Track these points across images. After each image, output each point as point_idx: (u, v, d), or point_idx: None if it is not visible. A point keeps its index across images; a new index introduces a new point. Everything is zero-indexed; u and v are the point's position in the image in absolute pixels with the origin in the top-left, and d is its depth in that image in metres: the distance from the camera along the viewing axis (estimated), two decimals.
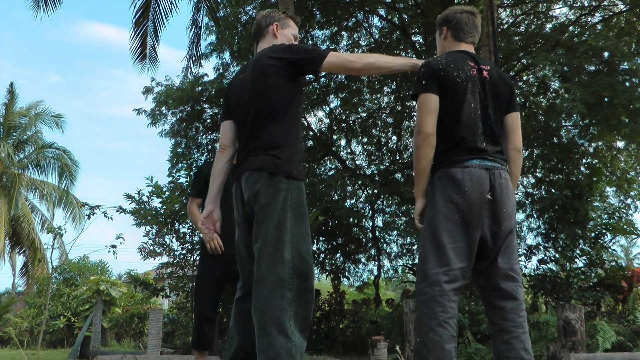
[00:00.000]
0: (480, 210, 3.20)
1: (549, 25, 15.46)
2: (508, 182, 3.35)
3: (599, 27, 14.83)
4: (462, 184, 3.19)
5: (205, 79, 16.44)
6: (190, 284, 15.66)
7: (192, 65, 15.21)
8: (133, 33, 13.26)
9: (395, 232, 16.76)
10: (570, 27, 14.86)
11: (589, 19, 15.41)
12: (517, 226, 15.19)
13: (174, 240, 15.46)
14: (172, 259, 15.50)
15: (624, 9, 14.79)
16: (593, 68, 13.19)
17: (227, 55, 17.08)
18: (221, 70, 17.14)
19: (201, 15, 13.66)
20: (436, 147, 3.28)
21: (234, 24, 16.22)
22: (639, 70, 11.60)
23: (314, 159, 17.36)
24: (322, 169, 18.59)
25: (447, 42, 3.64)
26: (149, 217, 14.96)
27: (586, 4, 15.46)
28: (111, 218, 15.38)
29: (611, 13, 15.10)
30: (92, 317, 16.12)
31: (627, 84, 12.03)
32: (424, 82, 3.28)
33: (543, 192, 15.52)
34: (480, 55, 10.75)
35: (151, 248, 15.33)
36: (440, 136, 3.28)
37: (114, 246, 15.69)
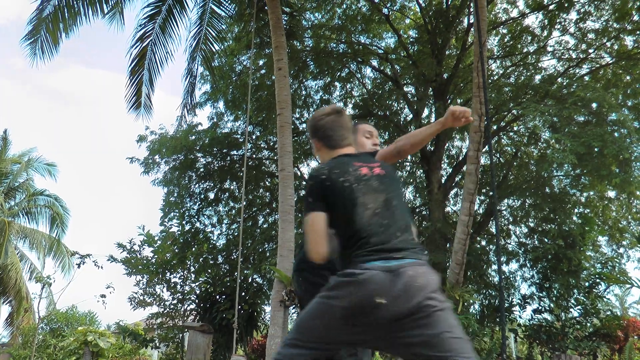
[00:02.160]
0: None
1: (538, 77, 15.74)
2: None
3: (586, 78, 15.16)
4: None
5: (199, 128, 16.61)
6: (180, 335, 15.54)
7: (186, 114, 15.37)
8: (128, 81, 13.40)
9: None
10: (559, 79, 15.14)
11: (577, 70, 15.73)
12: (512, 276, 15.30)
13: (164, 290, 15.41)
14: (162, 309, 15.42)
15: (610, 61, 15.15)
16: (582, 118, 13.42)
17: (221, 104, 17.29)
18: (215, 119, 17.30)
19: (196, 65, 13.83)
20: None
21: (229, 74, 16.46)
22: (626, 121, 11.79)
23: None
24: None
25: (323, 153, 3.32)
26: (139, 267, 14.93)
27: (574, 56, 15.78)
28: (101, 267, 15.33)
29: (598, 65, 15.44)
30: None
31: (616, 134, 12.25)
32: (310, 199, 3.02)
33: (536, 242, 15.59)
34: (471, 106, 10.97)
35: (141, 298, 15.27)
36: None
37: (103, 296, 15.60)
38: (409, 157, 18.51)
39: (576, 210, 15.65)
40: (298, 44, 15.87)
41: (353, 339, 2.78)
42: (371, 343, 2.86)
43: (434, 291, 2.77)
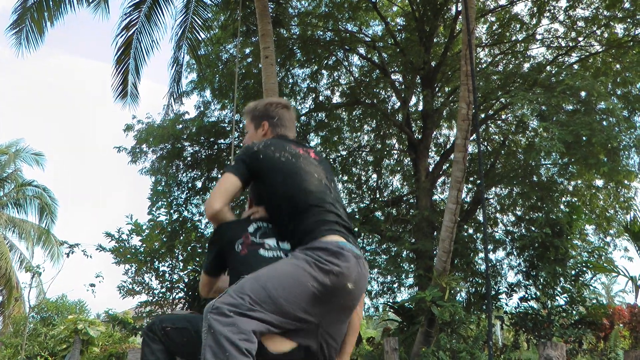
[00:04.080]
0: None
1: (526, 65, 15.67)
2: None
3: (575, 67, 15.06)
4: None
5: (186, 116, 16.45)
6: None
7: (173, 103, 15.20)
8: (115, 70, 13.24)
9: (375, 270, 16.65)
10: (548, 67, 15.06)
11: (566, 59, 15.64)
12: (499, 264, 15.30)
13: (153, 278, 15.32)
14: (151, 298, 15.34)
15: (600, 50, 15.04)
16: (570, 107, 13.34)
17: (208, 93, 17.12)
18: (202, 108, 17.15)
19: (182, 53, 13.69)
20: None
21: (215, 62, 16.28)
22: (615, 110, 11.70)
23: None
24: None
25: (267, 137, 3.35)
26: (128, 256, 14.82)
27: (563, 44, 15.67)
28: (90, 256, 15.21)
29: (587, 53, 15.34)
30: (69, 357, 15.83)
31: (604, 123, 12.18)
32: (233, 163, 3.16)
33: (523, 230, 15.56)
34: (460, 94, 10.87)
35: (130, 287, 15.18)
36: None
37: (92, 285, 15.49)
38: (396, 146, 18.42)
39: (563, 199, 15.61)
40: (285, 32, 15.71)
41: (304, 317, 2.68)
42: (310, 328, 2.74)
43: None
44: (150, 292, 15.29)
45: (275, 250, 2.97)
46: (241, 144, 17.21)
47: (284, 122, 3.40)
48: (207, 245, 3.34)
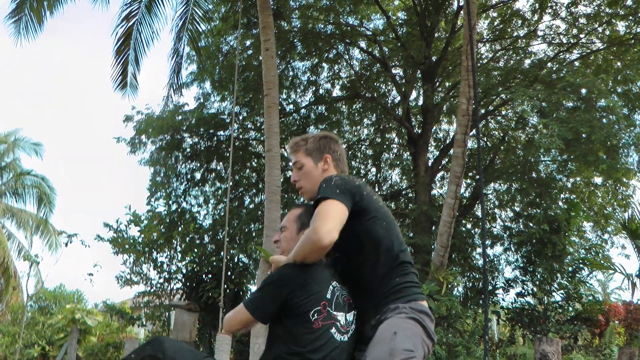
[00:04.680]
0: None
1: (527, 61, 15.62)
2: None
3: (576, 64, 15.03)
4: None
5: (186, 108, 16.44)
6: (167, 314, 15.50)
7: (172, 94, 15.18)
8: (114, 61, 13.21)
9: None
10: (549, 64, 15.03)
11: (567, 55, 15.60)
12: (496, 259, 15.30)
13: (151, 269, 15.40)
14: (149, 288, 15.43)
15: (601, 47, 15.02)
16: (571, 104, 13.35)
17: (207, 84, 17.09)
18: (202, 100, 17.12)
19: (182, 45, 13.64)
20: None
21: (215, 54, 16.25)
22: (615, 108, 11.71)
23: (293, 191, 17.35)
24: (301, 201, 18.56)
25: (328, 172, 3.05)
26: (126, 246, 14.88)
27: (564, 41, 15.64)
28: (89, 246, 15.27)
29: (589, 50, 15.31)
30: (66, 346, 15.88)
31: (604, 120, 12.18)
32: (337, 190, 2.75)
33: (521, 226, 15.57)
34: (460, 90, 10.85)
35: (128, 277, 15.24)
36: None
37: (90, 274, 15.55)
38: (395, 140, 18.41)
39: (562, 196, 15.61)
40: (285, 25, 15.68)
41: None
42: None
43: None
44: (148, 283, 15.38)
45: (346, 334, 2.76)
46: (240, 136, 17.24)
47: (344, 159, 3.17)
48: (268, 281, 2.78)
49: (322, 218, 2.64)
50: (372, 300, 2.79)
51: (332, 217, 2.64)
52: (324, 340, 2.66)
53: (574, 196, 15.77)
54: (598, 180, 16.11)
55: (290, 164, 3.19)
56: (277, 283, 2.74)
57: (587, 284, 13.09)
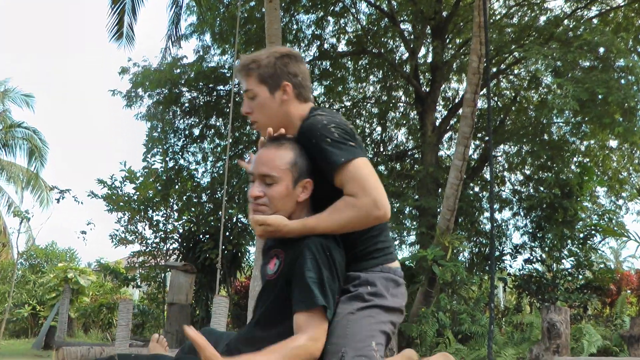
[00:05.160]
0: None
1: (543, 18, 15.44)
2: None
3: (595, 21, 14.83)
4: None
5: (185, 61, 16.33)
6: (162, 274, 15.59)
7: (171, 46, 15.06)
8: (110, 10, 13.11)
9: None
10: (565, 21, 14.84)
11: (585, 12, 15.39)
12: (504, 224, 15.33)
13: (146, 228, 15.43)
14: (144, 248, 15.49)
15: (622, 4, 14.82)
16: (587, 64, 13.22)
17: (207, 37, 16.93)
18: (201, 53, 16.98)
19: None
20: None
21: (216, 5, 16.07)
22: (635, 68, 11.60)
23: None
24: None
25: (288, 104, 2.60)
26: (121, 203, 14.89)
27: None
28: (82, 203, 15.29)
29: (608, 7, 15.10)
30: (58, 306, 16.02)
31: (622, 81, 12.07)
32: (350, 143, 2.41)
33: (531, 190, 15.59)
34: (471, 47, 10.78)
35: (123, 235, 15.29)
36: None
37: (83, 232, 15.62)
38: (402, 98, 18.33)
39: (575, 159, 15.60)
40: None
41: None
42: None
43: None
44: (144, 242, 15.43)
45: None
46: (241, 91, 17.06)
47: (307, 82, 2.68)
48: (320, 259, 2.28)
49: (372, 186, 2.34)
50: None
51: (375, 183, 2.36)
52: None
53: (588, 160, 15.75)
54: (613, 143, 16.03)
55: (241, 90, 2.75)
56: (330, 265, 2.31)
57: (599, 251, 13.12)
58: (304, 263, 2.25)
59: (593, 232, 12.68)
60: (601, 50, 12.43)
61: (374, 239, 2.49)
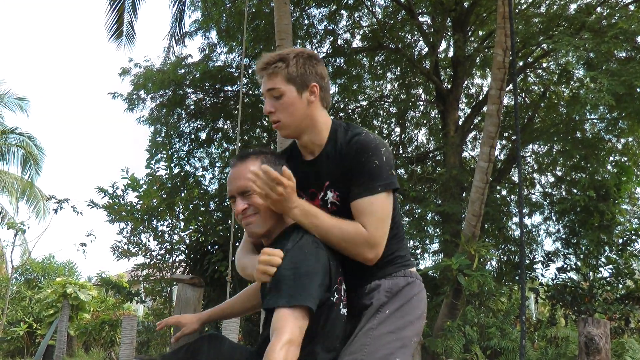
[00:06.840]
0: None
1: (573, 6, 15.35)
2: None
3: (631, 8, 14.71)
4: None
5: (189, 60, 16.37)
6: (168, 288, 15.60)
7: (174, 45, 15.10)
8: (109, 7, 13.17)
9: None
10: (598, 8, 14.76)
11: None
12: (535, 230, 15.25)
13: (150, 239, 15.44)
14: (148, 260, 15.47)
15: None
16: (623, 54, 13.14)
17: (213, 34, 16.98)
18: (207, 51, 17.01)
19: None
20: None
21: (222, 0, 16.13)
22: None
23: None
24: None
25: (314, 106, 2.73)
26: (123, 213, 14.91)
27: None
28: (81, 213, 15.35)
29: None
30: (57, 323, 16.07)
31: None
32: (392, 172, 2.60)
33: (563, 193, 15.54)
34: (495, 39, 10.74)
35: (125, 247, 15.30)
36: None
37: (83, 244, 15.65)
38: (422, 96, 18.30)
39: (611, 158, 15.51)
40: None
41: None
42: None
43: None
44: (148, 254, 15.44)
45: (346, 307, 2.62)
46: (250, 91, 17.18)
47: (329, 85, 2.85)
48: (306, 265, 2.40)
49: (383, 231, 2.58)
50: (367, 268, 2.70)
51: (384, 224, 2.58)
52: (338, 321, 2.60)
53: (625, 158, 15.64)
54: None
55: (261, 89, 2.82)
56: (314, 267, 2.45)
57: None
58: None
59: (633, 237, 12.58)
60: (639, 39, 12.35)
61: (395, 246, 2.73)
